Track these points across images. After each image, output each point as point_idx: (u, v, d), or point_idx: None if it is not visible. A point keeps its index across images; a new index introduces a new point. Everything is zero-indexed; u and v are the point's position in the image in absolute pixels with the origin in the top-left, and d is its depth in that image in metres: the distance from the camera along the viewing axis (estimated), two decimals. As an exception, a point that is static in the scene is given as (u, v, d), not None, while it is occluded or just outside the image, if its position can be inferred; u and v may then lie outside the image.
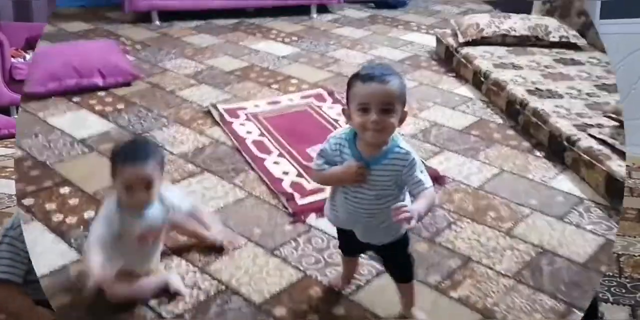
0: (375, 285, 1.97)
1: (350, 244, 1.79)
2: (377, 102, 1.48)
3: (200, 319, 1.80)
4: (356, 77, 1.53)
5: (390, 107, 1.49)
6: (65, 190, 2.41)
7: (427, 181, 1.56)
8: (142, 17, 4.73)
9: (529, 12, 4.33)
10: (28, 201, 2.32)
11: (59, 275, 1.95)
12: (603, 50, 3.76)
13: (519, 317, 1.84)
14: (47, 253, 2.05)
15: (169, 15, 4.75)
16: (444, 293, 1.94)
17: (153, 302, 1.85)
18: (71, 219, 2.23)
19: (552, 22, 3.97)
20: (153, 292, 1.83)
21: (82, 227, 2.19)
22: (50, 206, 2.30)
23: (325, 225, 2.25)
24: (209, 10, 4.73)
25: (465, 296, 1.93)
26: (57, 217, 2.24)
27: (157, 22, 4.69)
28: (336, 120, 3.05)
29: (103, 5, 5.05)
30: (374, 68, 1.54)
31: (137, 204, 1.72)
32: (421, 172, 1.56)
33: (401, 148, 1.55)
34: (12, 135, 3.30)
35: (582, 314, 1.86)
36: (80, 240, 2.10)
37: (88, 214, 2.26)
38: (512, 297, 1.92)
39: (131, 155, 1.69)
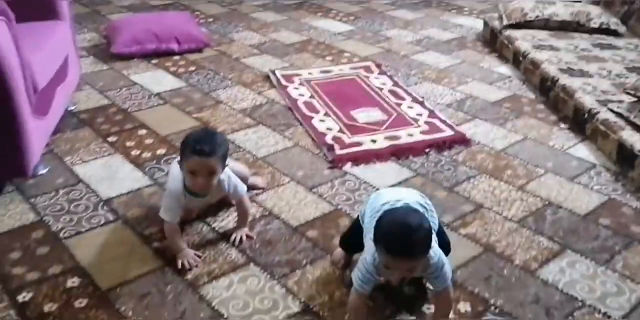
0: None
1: None
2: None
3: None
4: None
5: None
6: (142, 132, 2.81)
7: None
8: (216, -5, 5.11)
9: (578, -1, 4.46)
10: (112, 138, 2.74)
11: (135, 195, 2.34)
12: (642, 38, 3.88)
13: (516, 253, 2.10)
14: (126, 179, 2.44)
15: (240, -6, 5.11)
16: (454, 230, 2.21)
17: (209, 218, 2.21)
18: (146, 154, 2.63)
19: (594, 9, 4.10)
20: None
21: (154, 160, 2.57)
22: (130, 143, 2.71)
23: (358, 172, 2.56)
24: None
25: (472, 233, 2.20)
26: (135, 152, 2.63)
27: None
28: (380, 89, 3.34)
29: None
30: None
31: (199, 188, 1.97)
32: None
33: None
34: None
35: (574, 254, 2.10)
36: (150, 170, 2.49)
37: (160, 151, 2.65)
38: (513, 237, 2.18)
39: (199, 148, 1.87)
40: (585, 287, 1.94)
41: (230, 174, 2.07)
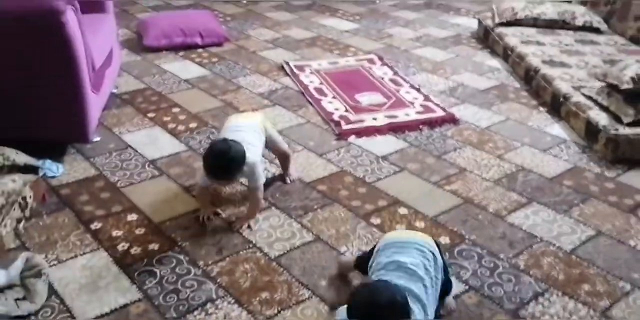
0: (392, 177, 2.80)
1: None
2: None
3: (265, 187, 2.65)
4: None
5: None
6: (176, 110, 3.38)
7: None
8: (232, -3, 5.71)
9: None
10: (151, 115, 3.30)
11: (174, 158, 2.90)
12: (623, 35, 4.41)
13: (490, 203, 2.63)
14: (165, 146, 3.00)
15: (254, -4, 5.69)
16: (440, 187, 2.75)
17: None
18: (181, 127, 3.19)
19: (579, 9, 4.65)
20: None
21: (188, 132, 3.13)
22: (167, 119, 3.27)
23: (360, 143, 3.10)
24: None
25: (455, 189, 2.73)
26: (172, 125, 3.20)
27: (244, 1, 5.63)
28: (382, 78, 3.89)
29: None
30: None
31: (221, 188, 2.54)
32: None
33: None
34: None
35: (539, 205, 2.63)
36: (185, 139, 3.05)
37: (192, 125, 3.21)
38: (488, 193, 2.71)
39: (214, 175, 2.26)
40: (545, 229, 2.47)
41: (256, 164, 2.34)
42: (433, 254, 1.82)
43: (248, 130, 2.45)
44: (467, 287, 2.13)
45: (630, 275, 2.19)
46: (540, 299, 2.07)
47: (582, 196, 2.69)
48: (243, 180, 2.57)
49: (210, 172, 2.27)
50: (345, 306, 1.61)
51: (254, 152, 2.38)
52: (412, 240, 1.86)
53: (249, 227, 2.40)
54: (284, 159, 2.72)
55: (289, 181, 2.72)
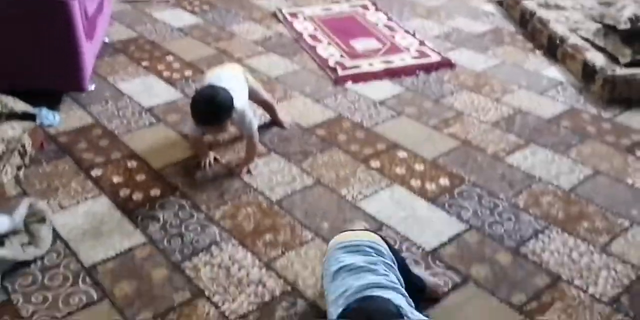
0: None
1: None
2: None
3: (262, 133, 2.64)
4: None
5: None
6: (170, 58, 3.34)
7: None
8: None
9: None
10: (145, 63, 3.26)
11: (170, 105, 2.87)
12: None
13: (488, 145, 2.64)
14: (161, 94, 2.98)
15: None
16: (438, 130, 2.75)
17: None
18: (175, 75, 3.15)
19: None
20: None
21: (183, 80, 3.10)
22: (161, 67, 3.23)
23: (357, 88, 3.08)
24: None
25: (453, 132, 2.73)
26: (166, 73, 3.16)
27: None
28: (376, 24, 3.83)
29: None
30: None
31: (212, 137, 2.46)
32: None
33: None
34: None
35: (537, 146, 2.64)
36: (181, 86, 3.02)
37: (187, 73, 3.17)
38: (486, 135, 2.71)
39: (203, 121, 2.22)
40: (543, 169, 2.49)
41: (245, 111, 2.31)
42: (371, 247, 1.53)
43: (230, 79, 2.39)
44: (468, 226, 2.16)
45: (629, 212, 2.23)
46: (541, 236, 2.11)
47: (580, 137, 2.71)
48: (233, 129, 2.54)
49: (200, 119, 2.23)
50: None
51: (241, 99, 2.34)
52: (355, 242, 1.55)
53: (248, 171, 2.40)
54: (268, 109, 2.70)
55: (287, 126, 2.71)
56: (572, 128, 2.78)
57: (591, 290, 1.88)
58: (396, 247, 2.03)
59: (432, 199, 2.29)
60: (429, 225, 2.15)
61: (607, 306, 1.83)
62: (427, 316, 1.34)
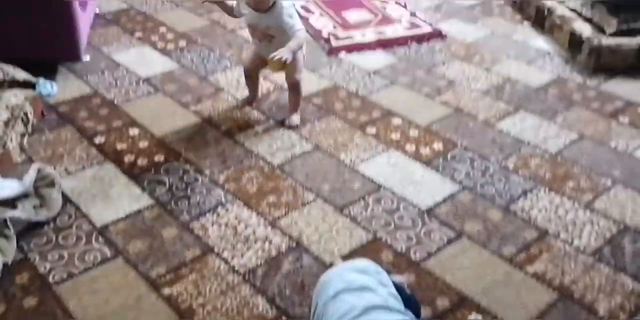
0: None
1: None
2: None
3: (259, 104, 2.80)
4: None
5: None
6: (163, 29, 3.46)
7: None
8: None
9: None
10: (138, 34, 3.37)
11: (167, 75, 3.00)
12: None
13: (479, 112, 2.81)
14: (157, 64, 3.10)
15: None
16: (431, 98, 2.91)
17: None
18: (170, 45, 3.29)
19: None
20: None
21: (178, 50, 3.23)
22: (154, 38, 3.35)
23: (351, 59, 3.23)
24: None
25: (445, 100, 2.90)
26: (161, 44, 3.29)
27: None
28: (367, -5, 3.97)
29: None
30: None
31: (257, 7, 2.44)
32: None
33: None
34: None
35: (525, 113, 2.82)
36: (177, 57, 3.15)
37: (181, 43, 3.30)
38: (477, 102, 2.88)
39: None
40: (532, 134, 2.66)
41: (293, 10, 2.46)
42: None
43: None
44: (461, 187, 2.33)
45: (612, 173, 2.42)
46: (529, 195, 2.29)
47: (566, 104, 2.89)
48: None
49: None
50: None
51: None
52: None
53: (285, 61, 2.35)
54: (292, 93, 2.70)
55: (287, 123, 2.68)
56: (558, 96, 2.95)
57: (576, 242, 2.07)
58: (393, 207, 2.20)
59: (427, 162, 2.46)
60: (424, 187, 2.33)
61: (590, 257, 2.02)
62: None
